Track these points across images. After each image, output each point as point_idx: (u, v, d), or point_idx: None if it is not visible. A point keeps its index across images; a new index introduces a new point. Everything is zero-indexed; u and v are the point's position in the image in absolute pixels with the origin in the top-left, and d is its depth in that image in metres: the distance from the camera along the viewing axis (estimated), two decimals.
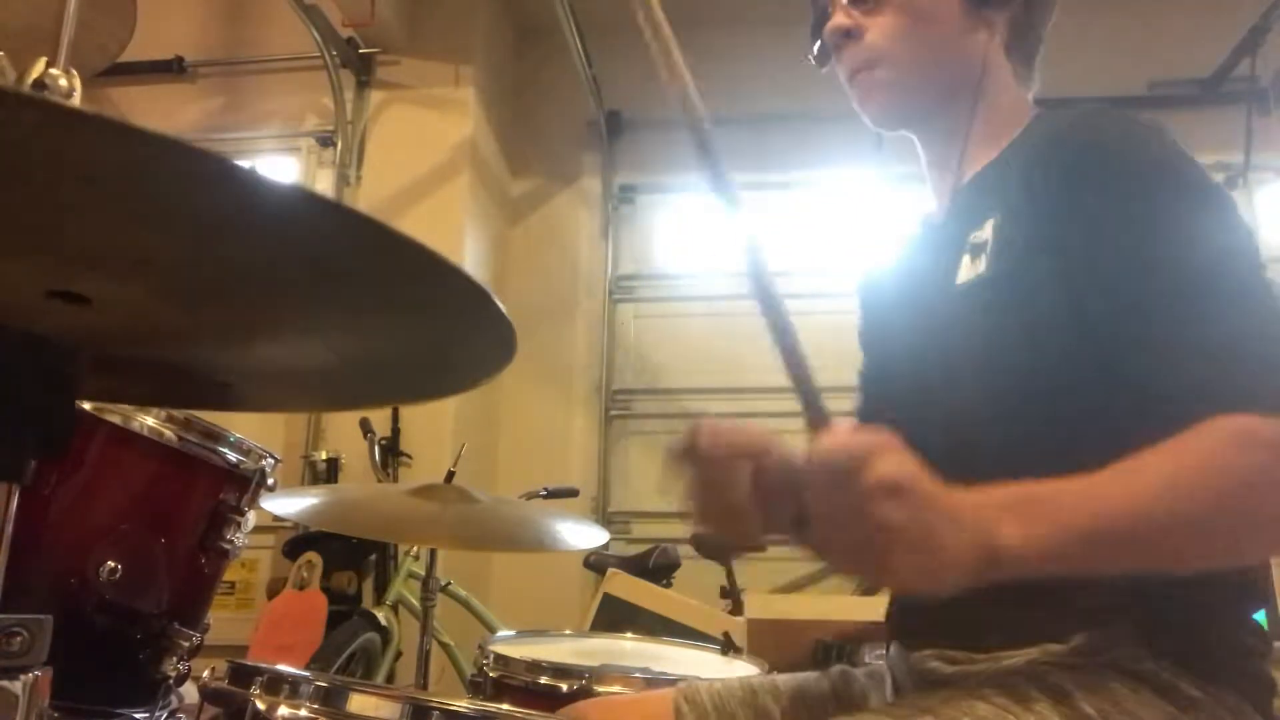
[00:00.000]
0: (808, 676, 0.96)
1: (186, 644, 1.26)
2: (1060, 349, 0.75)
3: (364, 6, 3.51)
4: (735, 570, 3.06)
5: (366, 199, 3.69)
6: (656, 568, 2.85)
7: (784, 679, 0.96)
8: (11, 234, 0.55)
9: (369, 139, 3.80)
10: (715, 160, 0.69)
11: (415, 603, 2.74)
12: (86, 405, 1.18)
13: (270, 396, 0.89)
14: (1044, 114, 0.89)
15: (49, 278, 0.59)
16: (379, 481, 3.15)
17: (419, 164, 3.69)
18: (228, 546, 1.30)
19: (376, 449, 3.20)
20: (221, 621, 1.46)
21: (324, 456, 3.41)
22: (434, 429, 3.37)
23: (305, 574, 2.80)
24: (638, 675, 1.25)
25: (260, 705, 0.83)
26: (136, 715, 1.24)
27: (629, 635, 1.75)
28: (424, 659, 1.71)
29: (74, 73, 0.91)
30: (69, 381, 0.69)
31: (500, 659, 1.31)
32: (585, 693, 1.20)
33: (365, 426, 3.25)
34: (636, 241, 4.19)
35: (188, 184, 0.48)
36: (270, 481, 1.36)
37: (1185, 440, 0.64)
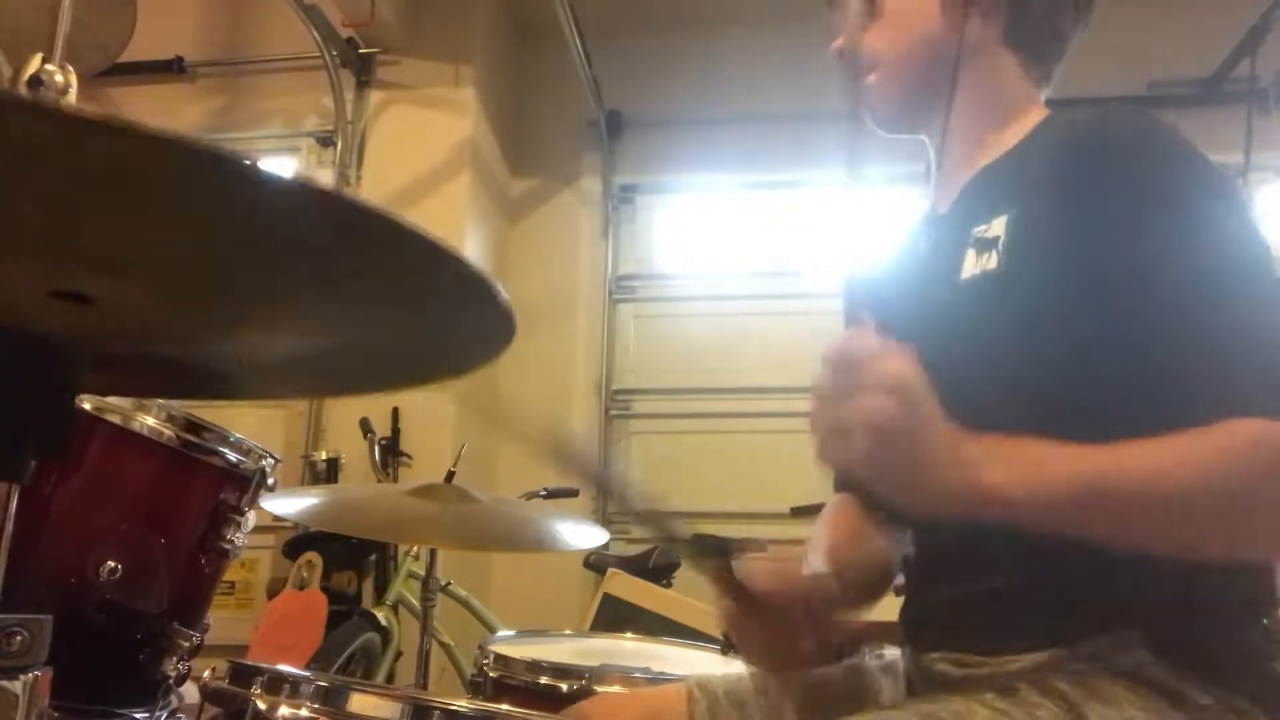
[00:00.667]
0: (820, 670, 0.96)
1: (186, 644, 1.26)
2: (1074, 347, 0.75)
3: (364, 6, 3.51)
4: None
5: (366, 199, 3.69)
6: (656, 568, 2.85)
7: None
8: (17, 236, 0.55)
9: (369, 139, 3.80)
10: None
11: (415, 603, 2.74)
12: (86, 405, 1.18)
13: (268, 385, 0.89)
14: (1058, 113, 0.88)
15: (53, 279, 0.59)
16: (379, 481, 3.15)
17: (419, 164, 3.69)
18: (228, 546, 1.30)
19: (376, 449, 3.20)
20: (221, 621, 1.46)
21: (324, 456, 3.41)
22: (434, 429, 3.37)
23: (305, 574, 2.80)
24: (638, 675, 1.25)
25: (261, 705, 0.83)
26: (137, 715, 1.24)
27: (629, 635, 1.75)
28: (424, 659, 1.71)
29: (69, 68, 0.92)
30: (69, 381, 0.69)
31: (500, 659, 1.31)
32: (585, 693, 1.20)
33: (365, 426, 3.24)
34: (636, 241, 4.19)
35: (191, 180, 0.48)
36: (270, 481, 1.36)
37: (1195, 434, 0.64)
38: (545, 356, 3.91)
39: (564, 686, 1.23)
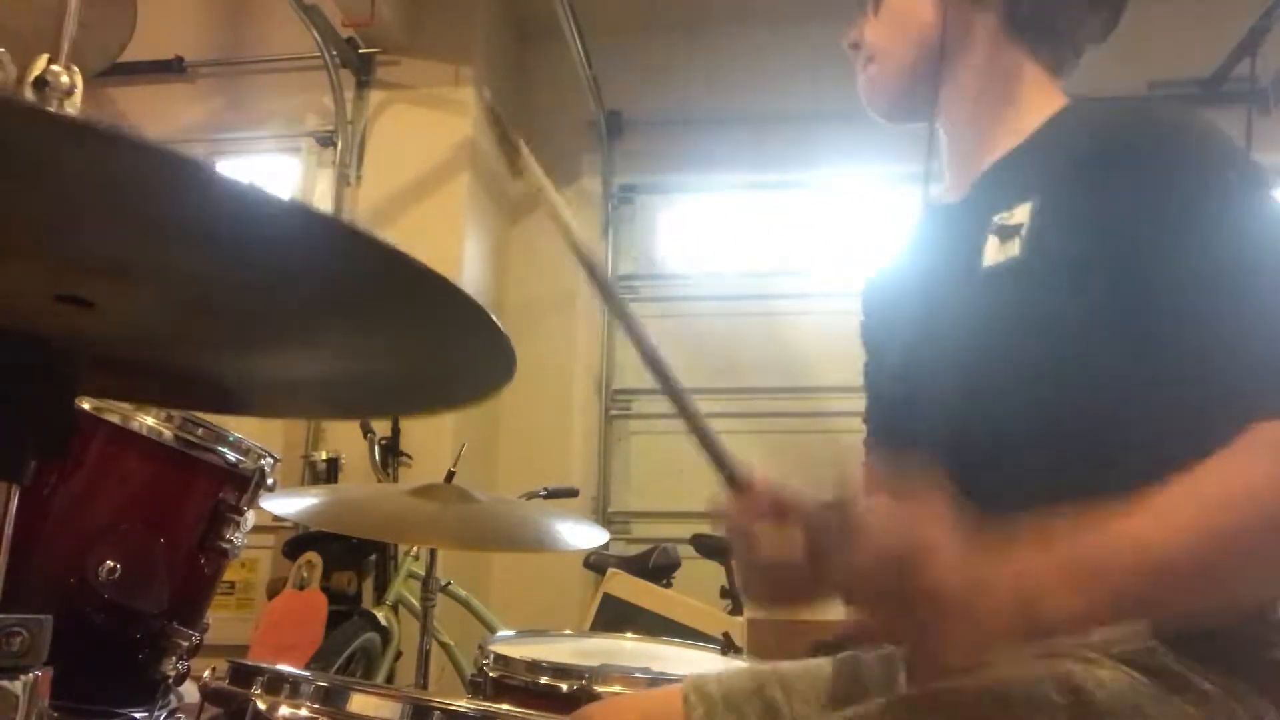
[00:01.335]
0: (815, 664, 0.96)
1: (186, 644, 1.26)
2: (1093, 338, 0.74)
3: (364, 6, 3.51)
4: (735, 570, 3.06)
5: (366, 199, 3.69)
6: (656, 568, 2.84)
7: (790, 667, 0.96)
8: (24, 238, 0.55)
9: (369, 139, 3.80)
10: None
11: (415, 603, 2.74)
12: (86, 405, 1.18)
13: (269, 404, 0.89)
14: (1081, 104, 0.88)
15: (57, 282, 0.59)
16: (379, 481, 3.15)
17: (419, 164, 3.69)
18: (227, 546, 1.30)
19: (376, 449, 3.20)
20: (221, 621, 1.46)
21: (324, 456, 3.41)
22: (434, 429, 3.36)
23: (305, 574, 2.79)
24: (638, 675, 1.25)
25: (261, 705, 0.83)
26: (136, 715, 1.24)
27: (629, 635, 1.74)
28: (424, 659, 1.71)
29: (75, 70, 0.91)
30: (69, 382, 0.69)
31: (500, 659, 1.31)
32: (585, 692, 1.20)
33: (365, 426, 3.24)
34: (636, 241, 4.19)
35: (196, 198, 0.48)
36: (270, 481, 1.36)
37: (1228, 461, 0.63)
38: (545, 356, 3.90)
39: (564, 686, 1.23)
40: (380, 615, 2.70)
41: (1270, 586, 0.67)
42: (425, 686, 1.75)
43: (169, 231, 0.52)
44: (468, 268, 3.64)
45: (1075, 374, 0.75)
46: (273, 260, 0.55)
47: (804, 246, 3.97)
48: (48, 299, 0.60)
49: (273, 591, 2.94)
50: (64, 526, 1.18)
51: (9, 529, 0.68)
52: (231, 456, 1.30)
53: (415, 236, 3.41)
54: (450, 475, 1.62)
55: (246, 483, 1.32)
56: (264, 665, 0.87)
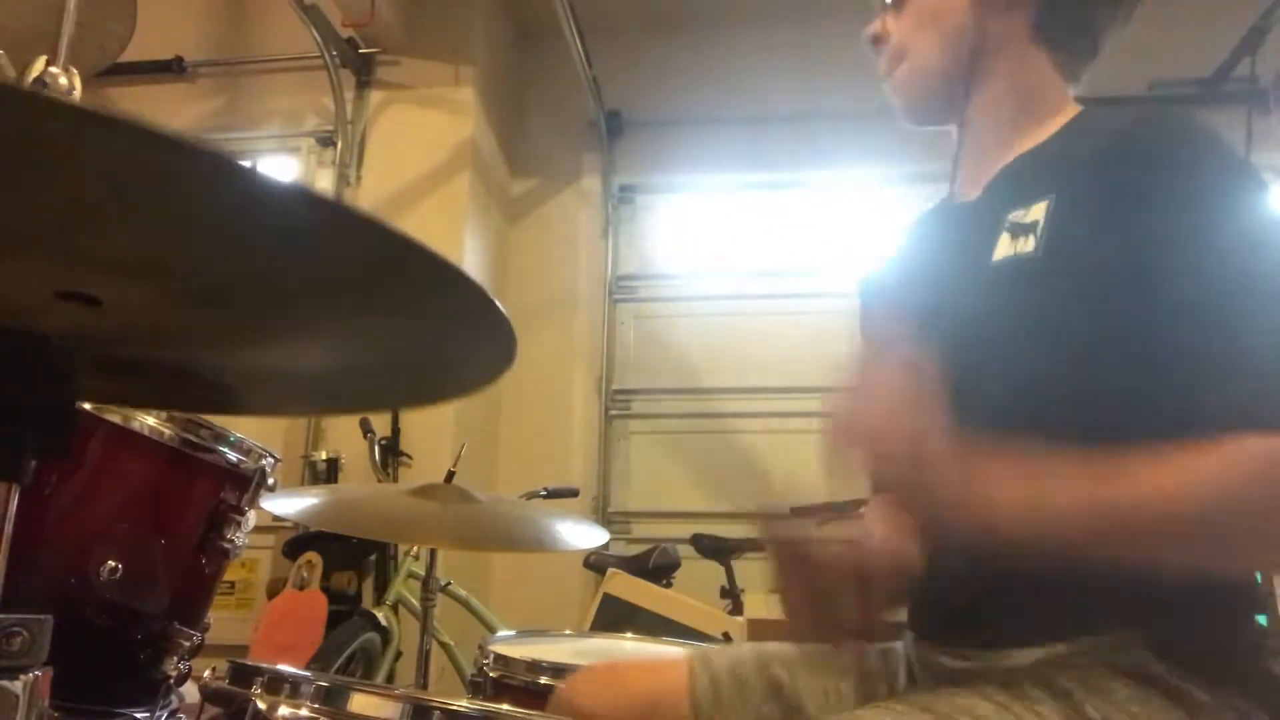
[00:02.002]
0: (819, 648, 0.97)
1: (187, 644, 1.26)
2: (1104, 339, 0.74)
3: (364, 6, 3.51)
4: (735, 570, 3.06)
5: (366, 199, 3.69)
6: (656, 568, 2.84)
7: (794, 649, 0.97)
8: (25, 235, 0.54)
9: (369, 139, 3.80)
10: None
11: (415, 603, 2.74)
12: (87, 405, 1.18)
13: (271, 400, 0.89)
14: (1098, 109, 0.88)
15: (60, 279, 0.59)
16: (379, 481, 3.15)
17: (419, 164, 3.69)
18: (228, 546, 1.30)
19: (376, 449, 3.20)
20: (221, 621, 1.46)
21: (324, 456, 3.41)
22: (434, 429, 3.37)
23: (305, 574, 2.80)
24: None
25: (261, 705, 0.83)
26: (137, 715, 1.24)
27: (629, 635, 1.74)
28: (424, 659, 1.71)
29: (74, 71, 0.92)
30: (70, 381, 0.69)
31: (500, 659, 1.31)
32: None
33: (365, 426, 3.24)
34: (636, 241, 4.19)
35: (201, 185, 0.48)
36: (270, 481, 1.36)
37: (1203, 450, 0.65)
38: (545, 356, 3.91)
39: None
40: (380, 615, 2.70)
41: (1207, 559, 0.68)
42: (425, 686, 1.74)
43: (174, 221, 0.52)
44: (467, 267, 3.62)
45: (1075, 372, 0.76)
46: (276, 247, 0.54)
47: (804, 246, 3.97)
48: (49, 296, 0.60)
49: (273, 591, 2.94)
50: (65, 526, 1.18)
51: (9, 529, 0.68)
52: (232, 456, 1.30)
53: (415, 236, 3.41)
54: (450, 475, 1.62)
55: (247, 483, 1.32)
56: (264, 665, 0.87)
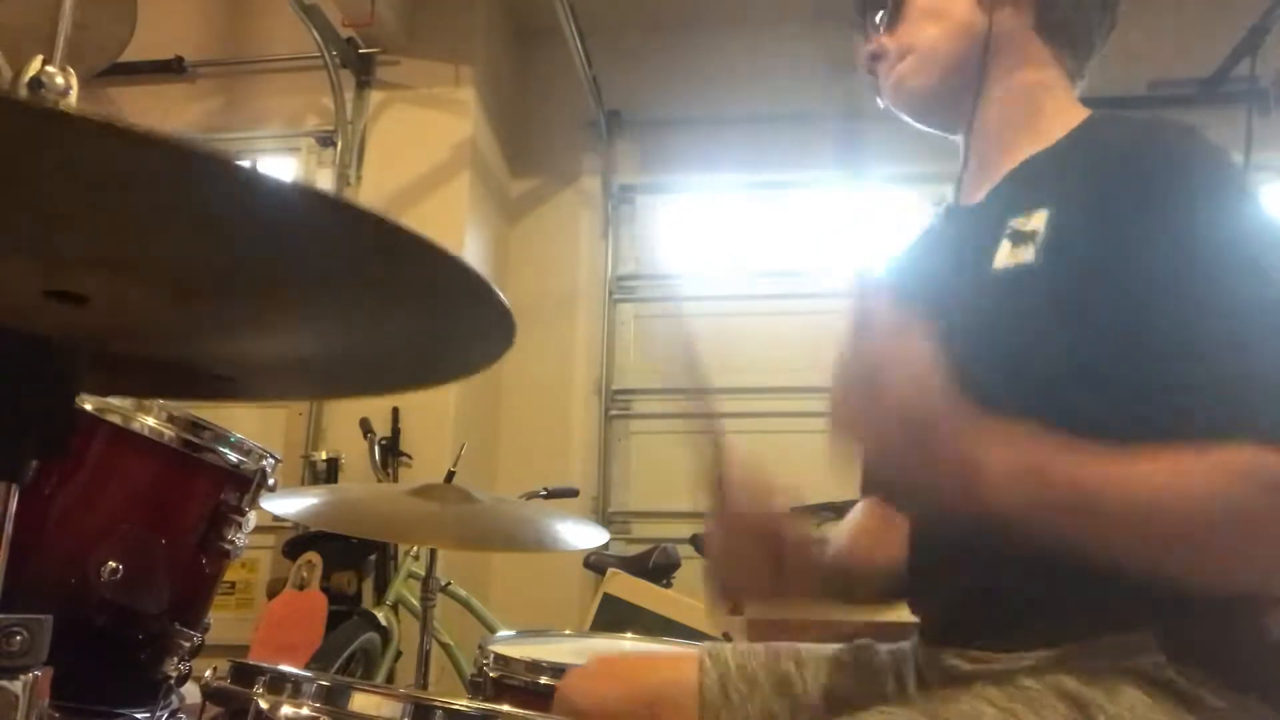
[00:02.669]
0: (829, 646, 0.97)
1: (187, 644, 1.26)
2: (1105, 346, 0.74)
3: (364, 6, 3.51)
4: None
5: (366, 199, 3.69)
6: (656, 568, 2.85)
7: (805, 646, 0.97)
8: (6, 234, 0.54)
9: (369, 139, 3.80)
10: None
11: (415, 603, 2.74)
12: (87, 405, 1.18)
13: (269, 387, 0.89)
14: (1104, 115, 0.88)
15: (45, 278, 0.59)
16: (379, 481, 3.15)
17: (419, 164, 3.69)
18: (228, 546, 1.30)
19: (376, 449, 3.20)
20: (222, 621, 1.46)
21: (324, 456, 3.41)
22: (434, 429, 3.37)
23: (305, 574, 2.80)
24: None
25: (263, 705, 0.83)
26: (138, 715, 1.24)
27: (629, 635, 1.74)
28: (424, 659, 1.71)
29: (70, 70, 0.91)
30: (69, 381, 0.69)
31: (500, 659, 1.31)
32: None
33: (365, 426, 3.24)
34: (636, 241, 4.19)
35: (183, 182, 0.47)
36: (270, 481, 1.35)
37: (1196, 455, 0.64)
38: (545, 356, 3.91)
39: None
40: (380, 615, 2.70)
41: (1184, 572, 0.67)
42: (425, 686, 1.75)
43: (159, 218, 0.52)
44: (465, 260, 3.65)
45: (1073, 381, 0.76)
46: (266, 240, 0.54)
47: (803, 246, 3.97)
48: (38, 296, 0.60)
49: (273, 591, 2.94)
50: (65, 527, 1.18)
51: (9, 529, 0.68)
52: (233, 457, 1.30)
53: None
54: (450, 475, 1.62)
55: (248, 483, 1.32)
56: (266, 665, 0.87)
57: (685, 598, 2.45)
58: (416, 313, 0.66)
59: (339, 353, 0.74)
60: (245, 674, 0.87)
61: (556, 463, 3.82)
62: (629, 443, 4.01)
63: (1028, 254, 0.81)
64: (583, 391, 4.01)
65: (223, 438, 1.29)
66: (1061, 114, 0.90)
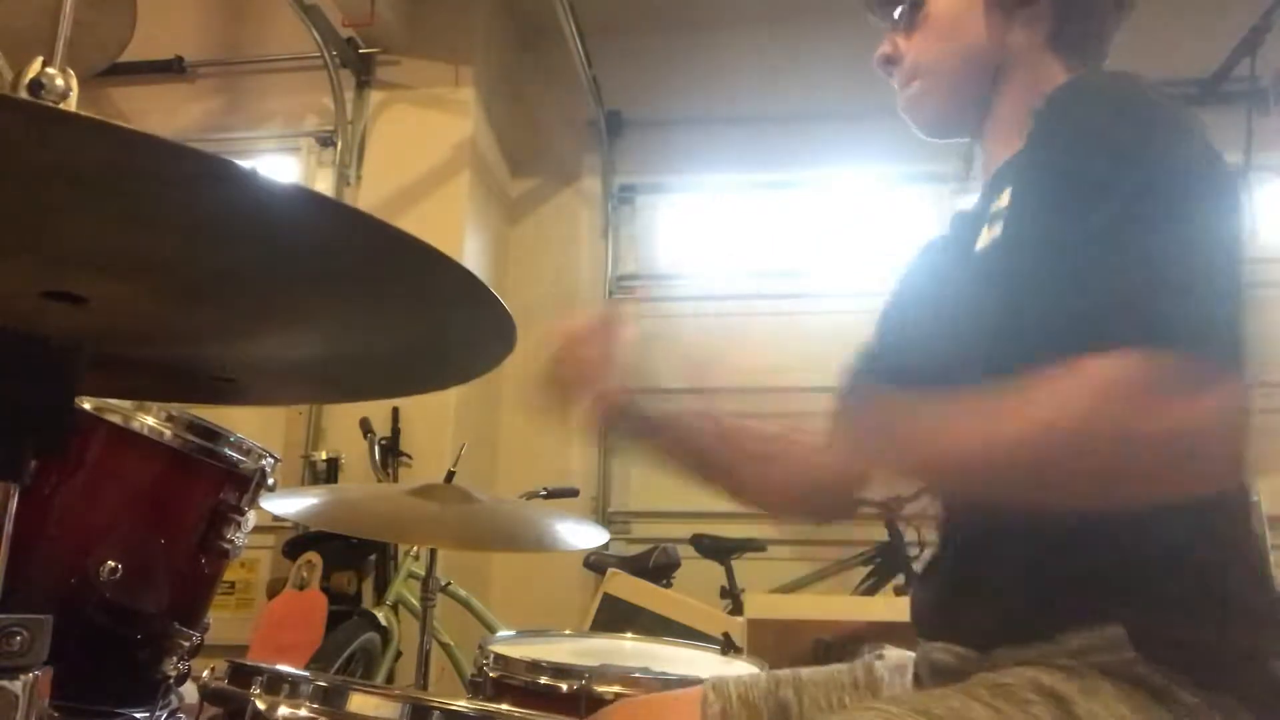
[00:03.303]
0: (833, 669, 0.98)
1: (187, 644, 1.26)
2: (1038, 311, 0.73)
3: (364, 6, 3.51)
4: (735, 570, 3.06)
5: (366, 199, 3.69)
6: (656, 568, 2.85)
7: (808, 672, 0.98)
8: (5, 234, 0.54)
9: (369, 139, 3.80)
10: None
11: (415, 603, 2.74)
12: (87, 405, 1.18)
13: (269, 390, 0.90)
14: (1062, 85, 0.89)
15: (44, 278, 0.59)
16: (379, 481, 3.15)
17: (419, 164, 3.69)
18: (228, 546, 1.30)
19: (376, 449, 3.20)
20: (221, 621, 1.46)
21: (324, 456, 3.41)
22: (434, 429, 3.37)
23: (305, 574, 2.80)
24: (638, 675, 1.25)
25: (261, 705, 0.83)
26: (137, 715, 1.24)
27: (629, 635, 1.74)
28: (424, 659, 1.71)
29: (70, 72, 0.91)
30: (68, 381, 0.69)
31: (500, 659, 1.31)
32: (585, 692, 1.20)
33: (365, 426, 3.25)
34: (636, 241, 4.19)
35: (180, 183, 0.48)
36: (270, 481, 1.35)
37: (1045, 379, 0.64)
38: (545, 356, 3.90)
39: (564, 686, 1.23)
40: (380, 615, 2.70)
41: (1059, 499, 0.68)
42: (425, 686, 1.75)
43: (157, 220, 0.52)
44: (467, 267, 3.65)
45: (1045, 351, 0.74)
46: (266, 242, 0.54)
47: (804, 246, 3.97)
48: (37, 296, 0.60)
49: (273, 591, 2.95)
50: (65, 526, 1.18)
51: (9, 529, 0.68)
52: (232, 456, 1.30)
53: (414, 235, 3.41)
54: (450, 475, 1.62)
55: (247, 483, 1.32)
56: (263, 665, 0.87)
57: (685, 598, 2.45)
58: (417, 317, 0.66)
59: (337, 356, 0.74)
60: (242, 674, 0.87)
61: (556, 463, 3.82)
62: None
63: (997, 229, 0.82)
64: None
65: (222, 437, 1.29)
66: None
